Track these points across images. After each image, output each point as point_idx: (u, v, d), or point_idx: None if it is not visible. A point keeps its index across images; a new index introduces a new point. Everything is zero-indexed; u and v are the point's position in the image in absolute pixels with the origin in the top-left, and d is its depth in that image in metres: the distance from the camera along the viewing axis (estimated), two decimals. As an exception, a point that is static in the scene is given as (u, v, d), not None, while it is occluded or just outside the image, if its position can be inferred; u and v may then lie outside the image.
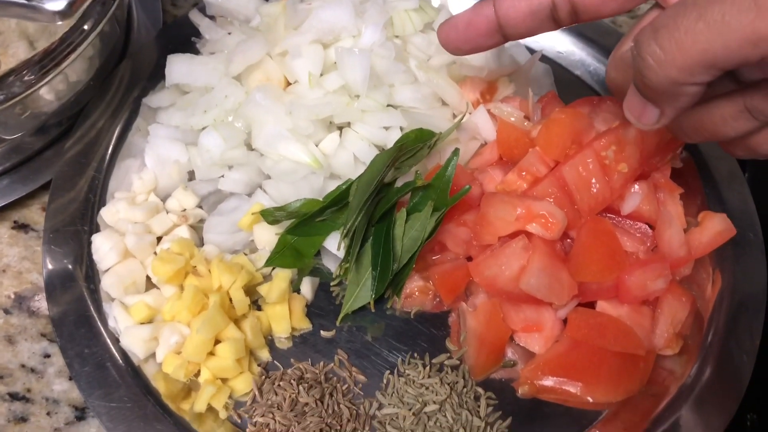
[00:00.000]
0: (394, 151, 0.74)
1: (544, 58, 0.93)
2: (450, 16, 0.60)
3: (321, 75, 0.79)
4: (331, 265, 0.78)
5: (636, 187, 0.73)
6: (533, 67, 0.88)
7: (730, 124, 0.51)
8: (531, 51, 0.93)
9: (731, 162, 0.85)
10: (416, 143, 0.77)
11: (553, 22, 0.57)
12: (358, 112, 0.78)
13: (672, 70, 0.45)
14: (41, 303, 0.74)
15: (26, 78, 0.71)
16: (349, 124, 0.80)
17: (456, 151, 0.75)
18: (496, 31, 0.58)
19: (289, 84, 0.81)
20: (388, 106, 0.80)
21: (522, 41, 0.93)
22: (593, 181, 0.71)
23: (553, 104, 0.83)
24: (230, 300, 0.71)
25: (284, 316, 0.71)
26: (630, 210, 0.73)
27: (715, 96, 0.51)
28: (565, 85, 0.93)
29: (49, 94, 0.77)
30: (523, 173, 0.75)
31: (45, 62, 0.73)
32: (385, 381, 0.71)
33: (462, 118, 0.82)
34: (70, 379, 0.70)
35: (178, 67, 0.82)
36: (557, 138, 0.74)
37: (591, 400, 0.70)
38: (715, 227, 0.74)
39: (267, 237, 0.76)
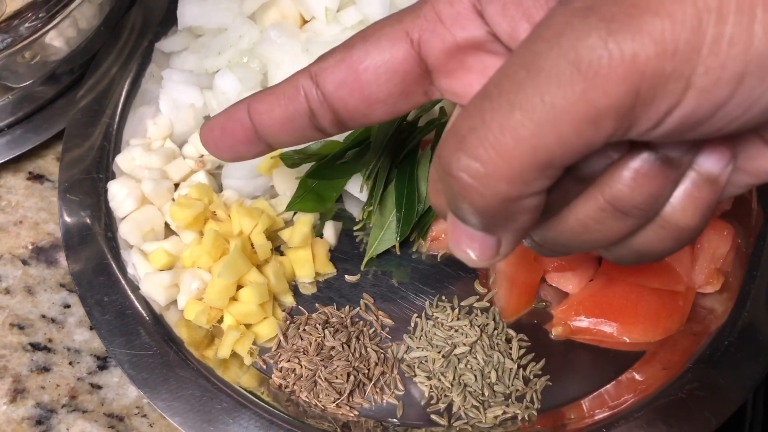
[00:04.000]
0: (416, 85, 0.70)
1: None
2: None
3: (338, 11, 0.75)
4: (354, 210, 0.75)
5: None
6: None
7: (596, 229, 0.36)
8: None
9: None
10: (439, 79, 0.74)
11: (317, 131, 0.44)
12: (378, 49, 0.75)
13: (499, 184, 0.31)
14: (59, 253, 0.72)
15: (32, 21, 0.69)
16: (368, 63, 0.77)
17: (482, 85, 0.71)
18: (256, 139, 0.45)
19: (305, 22, 0.78)
20: (409, 42, 0.77)
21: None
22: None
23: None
24: (252, 246, 0.68)
25: (307, 261, 0.69)
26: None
27: (562, 198, 0.36)
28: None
29: (58, 39, 0.74)
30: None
31: (51, 5, 0.70)
32: (412, 324, 0.68)
33: (487, 53, 0.78)
34: (91, 329, 0.68)
35: (190, 9, 0.79)
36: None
37: (628, 340, 0.67)
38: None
39: (287, 181, 0.73)
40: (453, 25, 0.39)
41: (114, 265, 0.69)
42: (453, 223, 0.37)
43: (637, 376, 0.66)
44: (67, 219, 0.71)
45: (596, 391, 0.66)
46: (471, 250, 0.37)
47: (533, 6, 0.37)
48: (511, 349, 0.66)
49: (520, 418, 0.64)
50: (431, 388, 0.65)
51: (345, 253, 0.73)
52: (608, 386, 0.66)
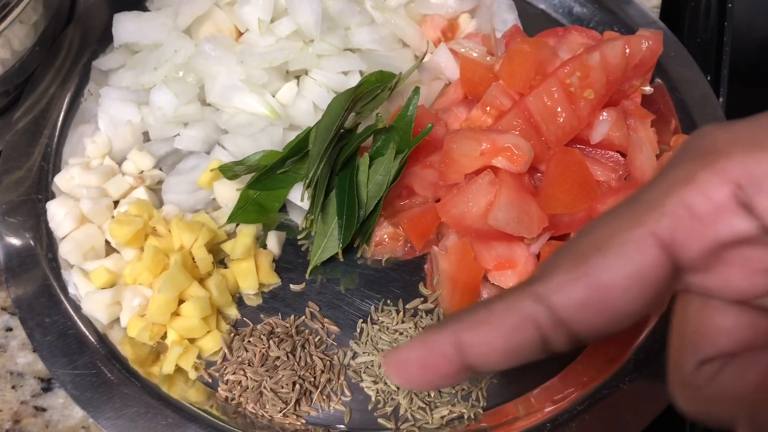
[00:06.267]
0: (351, 92, 0.71)
1: (507, -7, 0.90)
2: (393, 349, 0.42)
3: (271, 22, 0.76)
4: (298, 219, 0.75)
5: (604, 114, 0.71)
6: (495, 2, 0.85)
7: None
8: (492, -14, 0.89)
9: (704, 86, 0.83)
10: (376, 86, 0.74)
11: (545, 352, 0.38)
12: (314, 58, 0.75)
13: None
14: (0, 277, 0.72)
15: (-38, 43, 0.68)
16: (306, 72, 0.77)
17: (416, 90, 0.72)
18: (464, 369, 0.39)
19: (240, 34, 0.78)
20: (346, 50, 0.77)
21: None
22: (559, 109, 0.69)
23: (517, 38, 0.80)
24: (193, 259, 0.68)
25: (250, 272, 0.69)
26: (599, 138, 0.71)
27: None
28: (530, 19, 0.90)
29: (-10, 61, 0.74)
30: (488, 108, 0.73)
31: (-20, 26, 0.69)
32: (358, 330, 0.69)
33: (423, 58, 0.79)
34: (34, 351, 0.68)
35: (125, 25, 0.79)
36: (520, 69, 0.71)
37: (570, 334, 0.68)
38: (688, 150, 0.71)
39: (228, 194, 0.73)
40: (714, 222, 0.33)
41: (55, 286, 0.68)
42: None
43: (581, 370, 0.67)
44: (8, 242, 0.70)
45: (541, 386, 0.67)
46: None
47: None
48: (455, 349, 0.67)
49: (466, 416, 0.64)
50: (378, 392, 0.65)
51: (289, 262, 0.73)
52: (553, 380, 0.67)
